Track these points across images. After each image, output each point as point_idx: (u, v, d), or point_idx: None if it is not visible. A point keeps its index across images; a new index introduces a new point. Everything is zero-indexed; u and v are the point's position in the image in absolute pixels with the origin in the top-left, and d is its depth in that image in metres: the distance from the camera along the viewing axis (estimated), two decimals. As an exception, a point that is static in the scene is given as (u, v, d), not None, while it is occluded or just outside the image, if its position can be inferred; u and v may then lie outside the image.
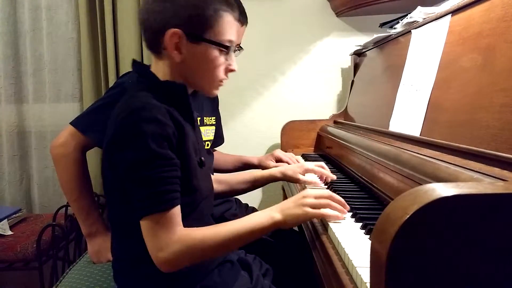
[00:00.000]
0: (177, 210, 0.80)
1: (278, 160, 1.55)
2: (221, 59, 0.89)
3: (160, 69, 0.90)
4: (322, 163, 1.25)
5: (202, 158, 0.93)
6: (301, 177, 1.21)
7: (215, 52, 0.87)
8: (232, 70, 0.93)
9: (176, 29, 0.84)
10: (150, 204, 0.77)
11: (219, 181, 1.21)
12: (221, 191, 1.21)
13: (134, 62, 0.94)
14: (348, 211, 0.93)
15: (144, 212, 0.78)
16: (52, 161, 1.16)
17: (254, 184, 1.23)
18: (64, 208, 1.83)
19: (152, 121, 0.78)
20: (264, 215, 0.84)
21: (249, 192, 1.28)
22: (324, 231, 0.87)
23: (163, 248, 0.77)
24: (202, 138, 1.08)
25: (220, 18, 0.86)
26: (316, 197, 0.87)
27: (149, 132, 0.77)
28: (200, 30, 0.85)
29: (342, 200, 0.91)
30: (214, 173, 1.29)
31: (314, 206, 0.86)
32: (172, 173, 0.80)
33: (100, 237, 1.18)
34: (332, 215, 0.86)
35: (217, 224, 0.85)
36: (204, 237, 0.80)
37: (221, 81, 0.93)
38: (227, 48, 0.88)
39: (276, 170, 1.23)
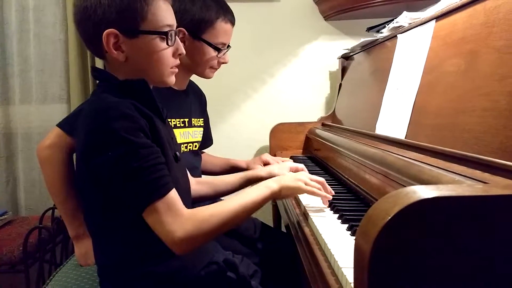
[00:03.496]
0: (174, 193, 0.80)
1: (266, 164, 1.56)
2: (163, 45, 0.88)
3: (112, 71, 0.90)
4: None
5: (177, 153, 0.93)
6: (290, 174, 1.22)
7: (156, 41, 0.87)
8: (180, 54, 0.92)
9: (110, 30, 0.83)
10: (147, 194, 0.77)
11: (202, 182, 1.21)
12: (203, 194, 1.20)
13: (93, 68, 0.95)
14: (335, 213, 0.95)
15: (143, 204, 0.77)
16: (38, 163, 1.15)
17: (241, 185, 1.23)
18: (51, 211, 1.81)
19: (121, 117, 0.78)
20: (262, 187, 0.91)
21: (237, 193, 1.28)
22: (311, 232, 0.88)
23: (177, 229, 0.77)
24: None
25: (150, 5, 0.85)
26: (310, 179, 0.98)
27: (122, 127, 0.77)
28: (133, 23, 0.84)
29: (329, 188, 1.02)
30: (201, 176, 1.28)
31: (307, 184, 0.96)
32: (158, 159, 0.80)
33: (88, 239, 1.17)
34: (322, 194, 0.97)
35: (220, 201, 0.88)
36: (213, 213, 0.82)
37: (172, 67, 0.92)
38: (166, 33, 0.87)
39: (262, 170, 1.23)
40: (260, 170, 1.24)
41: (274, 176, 1.22)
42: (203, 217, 0.81)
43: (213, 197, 1.24)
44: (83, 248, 1.18)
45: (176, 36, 0.91)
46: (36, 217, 1.87)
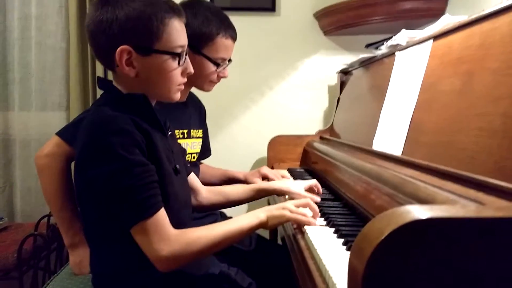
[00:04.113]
0: (163, 212, 0.82)
1: (264, 177, 1.57)
2: (175, 65, 0.89)
3: (120, 83, 0.92)
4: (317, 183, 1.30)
5: (177, 165, 0.94)
6: (304, 193, 1.22)
7: (168, 60, 0.88)
8: (189, 73, 0.94)
9: (124, 46, 0.84)
10: (136, 213, 0.78)
11: (214, 191, 1.23)
12: (215, 202, 1.22)
13: (99, 78, 0.96)
14: (331, 227, 0.95)
15: (131, 222, 0.79)
16: (35, 170, 1.15)
17: (253, 196, 1.25)
18: (46, 218, 1.81)
19: (118, 132, 0.79)
20: (251, 216, 0.92)
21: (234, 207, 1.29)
22: (307, 246, 0.89)
23: (162, 248, 0.79)
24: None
25: (166, 26, 0.87)
26: (295, 205, 0.98)
27: (118, 143, 0.78)
28: (148, 42, 0.86)
29: (317, 209, 1.00)
30: (210, 186, 1.29)
31: (292, 212, 0.95)
32: (150, 178, 0.81)
33: (83, 248, 1.17)
34: (305, 221, 0.95)
35: (209, 225, 0.88)
36: (200, 236, 0.84)
37: (179, 85, 0.93)
38: (179, 54, 0.89)
39: (278, 183, 1.26)
40: (276, 183, 1.27)
41: (288, 191, 1.24)
42: (190, 239, 0.82)
43: (223, 206, 1.26)
44: (78, 257, 1.18)
45: (186, 55, 0.92)
46: (32, 224, 1.86)
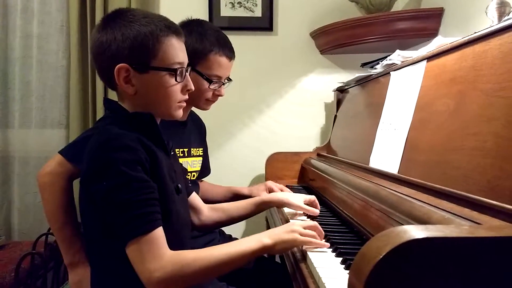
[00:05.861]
0: (160, 231, 0.81)
1: (271, 191, 1.58)
2: (172, 81, 0.91)
3: (123, 102, 0.94)
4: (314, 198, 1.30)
5: (179, 185, 0.95)
6: (304, 206, 1.23)
7: (165, 76, 0.90)
8: (189, 90, 0.96)
9: (122, 64, 0.87)
10: (132, 228, 0.78)
11: (216, 208, 1.21)
12: (218, 220, 1.20)
13: (105, 99, 0.99)
14: (330, 246, 0.96)
15: (127, 237, 0.79)
16: (33, 187, 1.16)
17: (253, 211, 1.23)
18: (44, 236, 1.80)
19: (122, 149, 0.81)
20: (253, 239, 0.87)
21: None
22: (306, 265, 0.90)
23: (156, 269, 0.77)
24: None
25: (162, 43, 0.89)
26: (304, 227, 0.93)
27: (121, 159, 0.80)
28: (144, 59, 0.89)
29: (323, 231, 0.97)
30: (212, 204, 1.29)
31: (302, 234, 0.90)
32: (150, 195, 0.82)
33: (83, 267, 1.17)
34: (318, 243, 0.91)
35: (208, 247, 0.87)
36: (196, 258, 0.81)
37: (180, 102, 0.95)
38: (175, 71, 0.91)
39: (278, 195, 1.26)
40: (277, 195, 1.26)
41: (288, 203, 1.23)
42: (185, 261, 0.80)
43: (227, 223, 1.25)
44: (77, 276, 1.18)
45: (187, 73, 0.94)
46: (29, 242, 1.86)
